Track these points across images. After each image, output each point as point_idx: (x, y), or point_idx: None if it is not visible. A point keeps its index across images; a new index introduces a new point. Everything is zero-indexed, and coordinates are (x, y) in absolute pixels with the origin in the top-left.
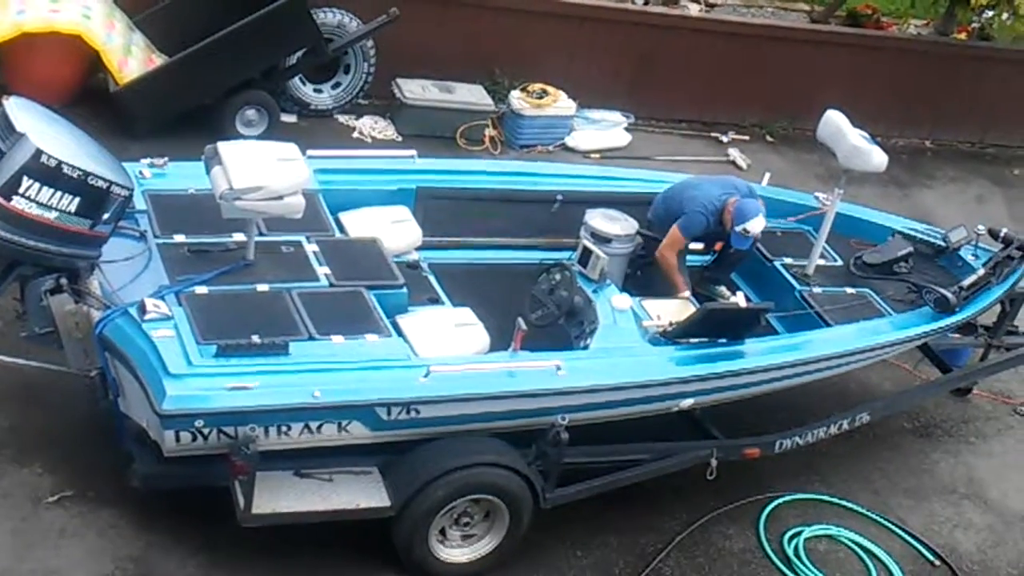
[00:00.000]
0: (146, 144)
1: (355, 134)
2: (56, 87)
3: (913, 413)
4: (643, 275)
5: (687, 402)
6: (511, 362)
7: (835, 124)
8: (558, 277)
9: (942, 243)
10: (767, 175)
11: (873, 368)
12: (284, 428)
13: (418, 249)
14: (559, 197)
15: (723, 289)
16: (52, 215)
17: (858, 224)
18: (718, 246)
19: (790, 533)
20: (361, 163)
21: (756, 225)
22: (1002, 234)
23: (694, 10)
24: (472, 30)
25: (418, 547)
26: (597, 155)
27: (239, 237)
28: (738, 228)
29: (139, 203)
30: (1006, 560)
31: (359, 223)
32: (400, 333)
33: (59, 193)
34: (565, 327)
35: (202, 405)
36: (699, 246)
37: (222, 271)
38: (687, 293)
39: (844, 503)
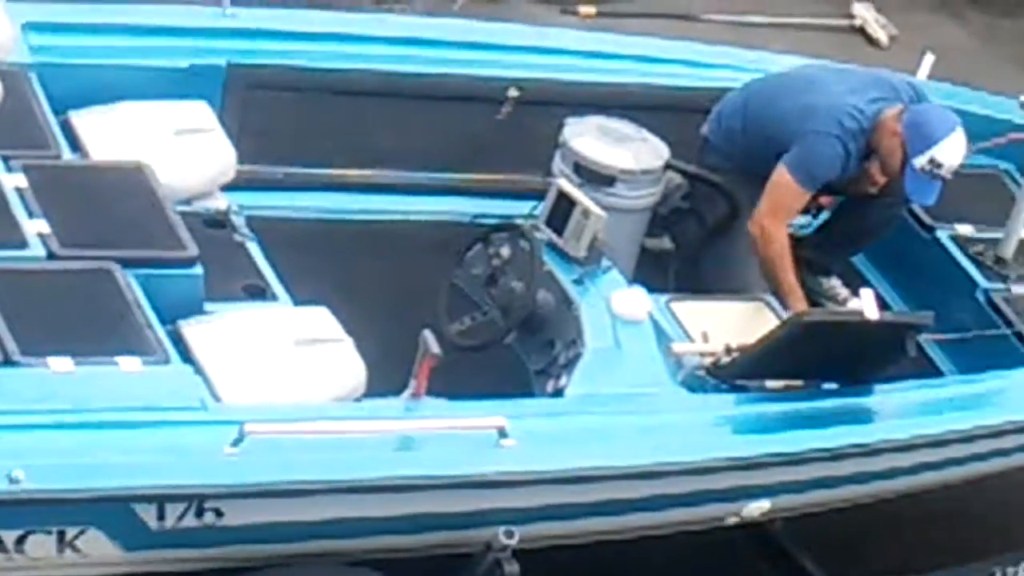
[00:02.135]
0: None
1: None
2: None
3: None
4: (680, 251)
5: (757, 506)
6: (408, 419)
7: None
8: (506, 253)
9: None
10: (928, 59)
11: None
12: None
13: (228, 188)
14: (512, 92)
15: (836, 284)
16: None
17: None
18: (826, 200)
19: None
20: (120, 12)
21: (954, 151)
22: None
23: None
24: None
25: None
26: (591, 9)
27: None
28: (918, 160)
29: None
30: None
31: (110, 134)
32: (187, 355)
33: None
34: (518, 351)
35: None
36: None
37: None
38: (803, 305)
39: None
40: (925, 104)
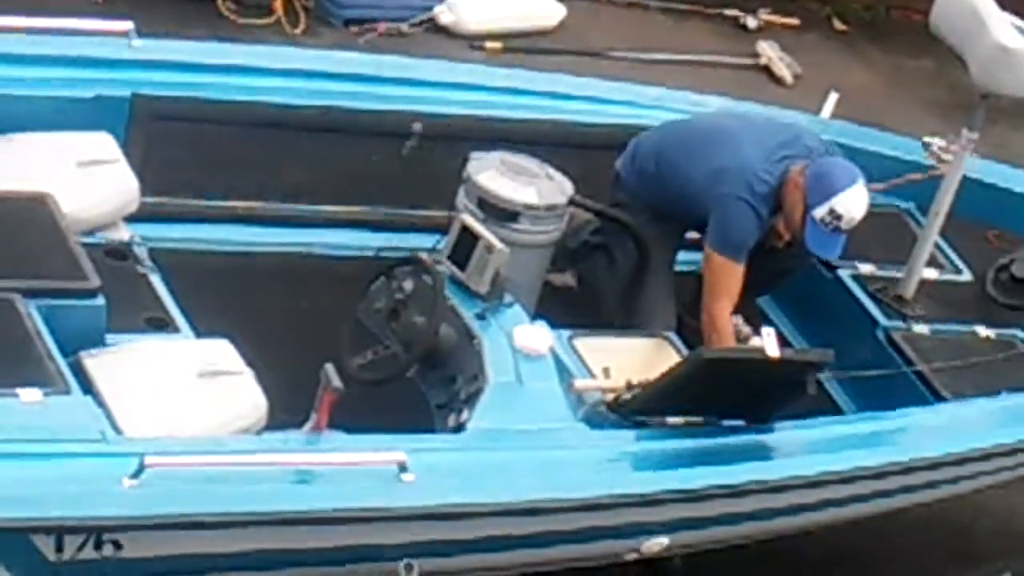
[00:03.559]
0: None
1: None
2: None
3: None
4: (585, 288)
5: (656, 542)
6: (309, 453)
7: (967, 4)
8: (408, 287)
9: None
10: (832, 98)
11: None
12: None
13: (131, 220)
14: (416, 126)
15: (738, 321)
16: None
17: (1005, 202)
18: None
19: None
20: (25, 42)
21: (855, 203)
22: None
23: None
24: None
25: None
26: (497, 45)
27: None
28: (818, 211)
29: None
30: None
31: (12, 164)
32: (88, 387)
33: None
34: (420, 386)
35: None
36: (694, 235)
37: None
38: None
39: None
40: (830, 157)
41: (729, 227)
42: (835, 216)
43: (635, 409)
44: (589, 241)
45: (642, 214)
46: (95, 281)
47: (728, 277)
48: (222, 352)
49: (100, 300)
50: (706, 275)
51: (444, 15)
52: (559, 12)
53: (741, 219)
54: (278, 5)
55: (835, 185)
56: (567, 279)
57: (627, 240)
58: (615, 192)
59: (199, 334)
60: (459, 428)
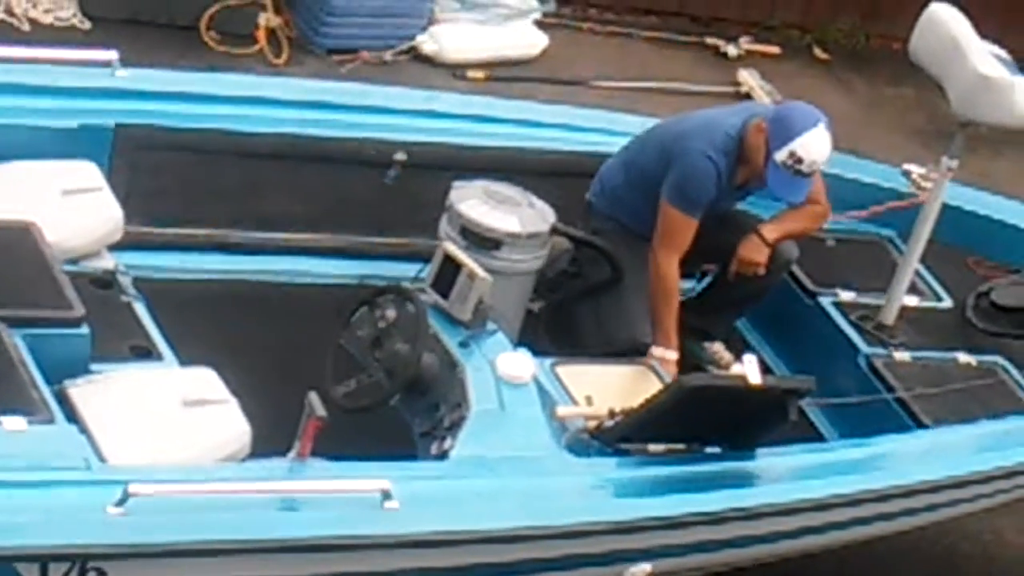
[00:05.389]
0: None
1: None
2: None
3: None
4: (564, 314)
5: (640, 569)
6: (292, 481)
7: (946, 32)
8: (391, 315)
9: None
10: None
11: (1009, 514)
12: None
13: (115, 249)
14: (399, 155)
15: (718, 347)
16: None
17: (984, 229)
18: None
19: None
20: (8, 72)
21: (815, 145)
22: None
23: None
24: None
25: None
26: (480, 73)
27: None
28: (779, 155)
29: None
30: None
31: None
32: (71, 415)
33: None
34: (403, 414)
35: None
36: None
37: None
38: (669, 354)
39: None
40: (794, 103)
41: (685, 180)
42: (796, 159)
43: (617, 436)
44: (567, 270)
45: (619, 236)
46: (79, 310)
47: (679, 229)
48: (206, 380)
49: (84, 329)
50: (659, 225)
51: (427, 44)
52: (541, 41)
53: (698, 173)
54: (261, 35)
55: (795, 127)
56: (547, 307)
57: (605, 266)
58: (587, 222)
59: (183, 362)
60: (442, 456)
